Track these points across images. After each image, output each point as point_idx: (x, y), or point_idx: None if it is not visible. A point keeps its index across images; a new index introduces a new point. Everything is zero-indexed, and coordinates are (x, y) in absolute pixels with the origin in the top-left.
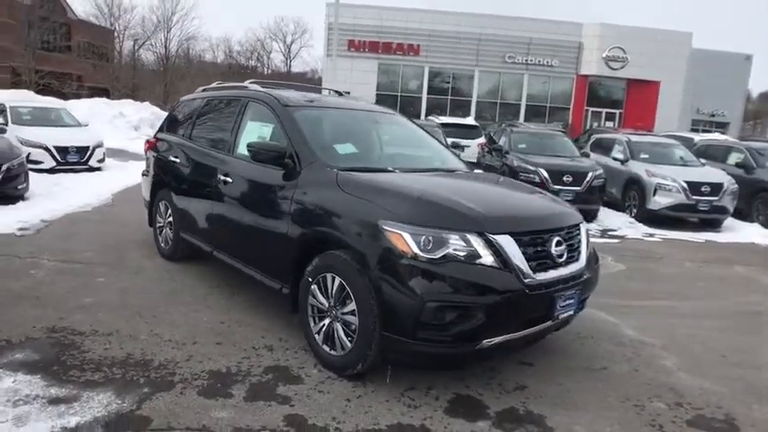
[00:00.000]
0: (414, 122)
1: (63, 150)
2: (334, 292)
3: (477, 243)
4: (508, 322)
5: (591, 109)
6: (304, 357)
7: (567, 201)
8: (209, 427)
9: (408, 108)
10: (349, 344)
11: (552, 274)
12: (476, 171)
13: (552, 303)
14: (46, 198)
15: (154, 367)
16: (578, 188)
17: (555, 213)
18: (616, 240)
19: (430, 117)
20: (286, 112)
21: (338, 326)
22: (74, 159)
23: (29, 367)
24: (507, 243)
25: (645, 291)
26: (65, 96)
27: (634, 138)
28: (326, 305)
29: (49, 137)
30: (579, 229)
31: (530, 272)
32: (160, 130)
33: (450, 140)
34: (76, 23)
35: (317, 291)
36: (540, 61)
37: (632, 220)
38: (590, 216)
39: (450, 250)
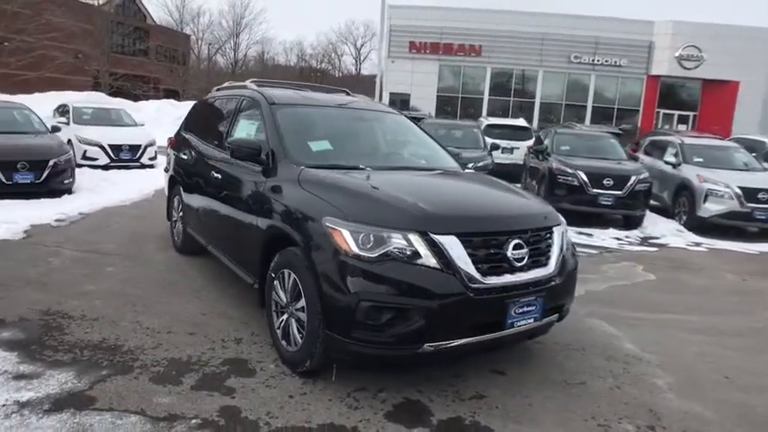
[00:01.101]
0: (413, 122)
1: (116, 148)
2: (289, 288)
3: (419, 243)
4: (452, 327)
5: (662, 111)
6: (267, 352)
7: (607, 206)
8: (145, 411)
9: (469, 109)
10: (300, 340)
11: (507, 278)
12: (466, 171)
13: (504, 310)
14: (91, 192)
15: (121, 352)
16: (619, 192)
17: (517, 215)
18: (654, 249)
19: (480, 118)
20: (270, 110)
21: (293, 322)
22: (126, 157)
23: (10, 345)
24: (451, 244)
25: (666, 303)
26: (136, 98)
27: (688, 140)
28: (284, 301)
29: (105, 135)
30: (550, 233)
31: (477, 275)
32: (180, 128)
33: (490, 141)
34: (155, 29)
35: (278, 287)
36: (607, 61)
37: (681, 227)
38: (633, 223)
39: (390, 249)
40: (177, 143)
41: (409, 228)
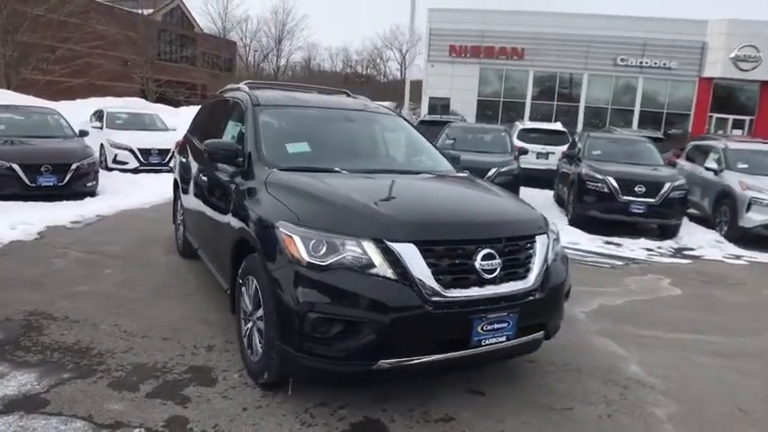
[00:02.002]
0: (409, 124)
1: (146, 152)
2: (252, 295)
3: (373, 251)
4: (409, 343)
5: (715, 115)
6: (236, 361)
7: (639, 214)
8: (93, 417)
9: (511, 114)
10: (260, 351)
11: (474, 292)
12: (458, 175)
13: (469, 327)
14: (113, 195)
15: (90, 355)
16: (652, 200)
17: (490, 222)
18: (687, 261)
19: (516, 122)
20: (253, 111)
21: (255, 331)
22: (155, 161)
23: None
24: (409, 252)
25: (688, 321)
26: (178, 104)
27: (732, 144)
28: (249, 309)
29: (135, 140)
30: (532, 243)
31: (437, 287)
32: (186, 131)
33: (521, 145)
34: (201, 37)
35: (245, 293)
36: (656, 63)
37: (721, 238)
38: (668, 232)
39: (343, 257)
40: (181, 147)
41: (364, 234)
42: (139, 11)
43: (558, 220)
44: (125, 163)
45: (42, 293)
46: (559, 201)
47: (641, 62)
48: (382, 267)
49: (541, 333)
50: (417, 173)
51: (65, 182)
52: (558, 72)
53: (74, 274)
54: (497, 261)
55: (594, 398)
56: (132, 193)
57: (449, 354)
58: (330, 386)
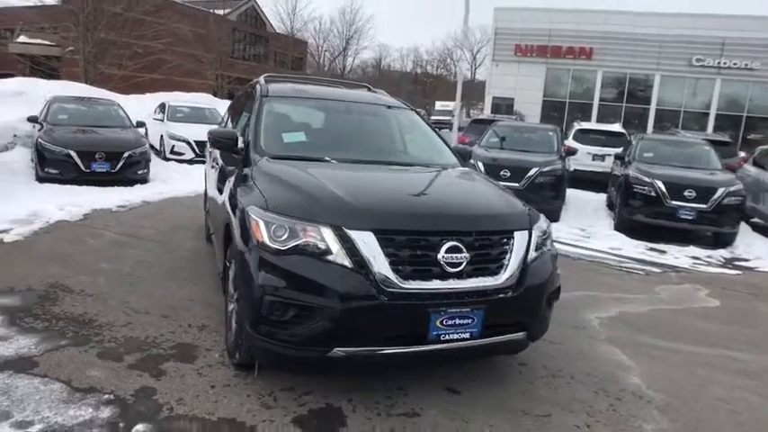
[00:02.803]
0: (423, 120)
1: (201, 144)
2: (231, 277)
3: (331, 237)
4: (364, 333)
5: None
6: (222, 342)
7: (688, 220)
8: (71, 381)
9: (577, 115)
10: (234, 332)
11: (435, 285)
12: (456, 168)
13: (426, 321)
14: (163, 183)
15: (91, 326)
16: (703, 206)
17: (459, 215)
18: (736, 272)
19: (574, 123)
20: (260, 102)
21: (234, 313)
22: None
23: (3, 310)
24: (366, 240)
25: (715, 335)
26: None
27: None
28: (231, 291)
29: (192, 132)
30: (508, 238)
31: (393, 277)
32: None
33: (576, 146)
34: (273, 36)
35: (230, 276)
36: (735, 64)
37: None
38: (723, 241)
39: (301, 242)
40: None
41: (323, 221)
42: (212, 10)
43: (604, 225)
44: (181, 154)
45: (67, 268)
46: (611, 205)
47: (719, 63)
48: (339, 255)
49: (522, 334)
50: (411, 165)
51: (117, 169)
52: (629, 73)
53: (102, 253)
54: (464, 255)
55: (578, 407)
56: (182, 182)
57: (406, 347)
58: (291, 371)
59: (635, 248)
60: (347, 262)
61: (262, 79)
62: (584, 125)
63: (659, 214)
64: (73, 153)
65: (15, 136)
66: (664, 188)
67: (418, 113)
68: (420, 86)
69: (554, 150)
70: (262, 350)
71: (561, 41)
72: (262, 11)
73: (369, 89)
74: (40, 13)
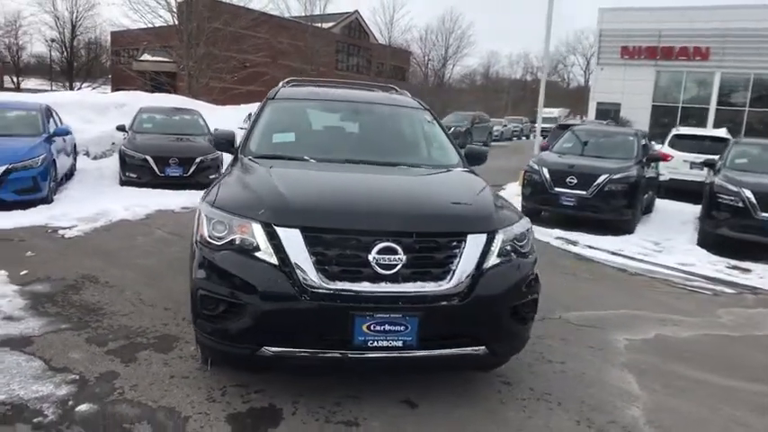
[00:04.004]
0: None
1: None
2: None
3: (261, 234)
4: (291, 333)
5: None
6: None
7: None
8: (50, 360)
9: (691, 121)
10: None
11: (364, 287)
12: (448, 170)
13: (350, 324)
14: None
15: (96, 314)
16: None
17: (397, 214)
18: None
19: (677, 127)
20: (266, 104)
21: None
22: None
23: (30, 295)
24: (291, 238)
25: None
26: None
27: None
28: None
29: None
30: (459, 242)
31: (316, 277)
32: None
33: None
34: (376, 47)
35: None
36: None
37: None
38: None
39: (234, 238)
40: None
41: (255, 217)
42: (318, 24)
43: (684, 240)
44: None
45: (105, 262)
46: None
47: None
48: (267, 252)
49: (481, 349)
50: (394, 165)
51: (189, 173)
52: (753, 74)
53: (143, 249)
54: (399, 257)
55: None
56: None
57: (331, 351)
58: (229, 366)
59: (711, 266)
60: (273, 259)
61: (281, 83)
62: (682, 130)
63: (747, 228)
64: (149, 158)
65: (113, 144)
66: (753, 198)
67: (433, 115)
68: (529, 93)
69: (632, 156)
70: (202, 344)
71: (673, 42)
72: (365, 23)
73: (396, 91)
74: (155, 33)
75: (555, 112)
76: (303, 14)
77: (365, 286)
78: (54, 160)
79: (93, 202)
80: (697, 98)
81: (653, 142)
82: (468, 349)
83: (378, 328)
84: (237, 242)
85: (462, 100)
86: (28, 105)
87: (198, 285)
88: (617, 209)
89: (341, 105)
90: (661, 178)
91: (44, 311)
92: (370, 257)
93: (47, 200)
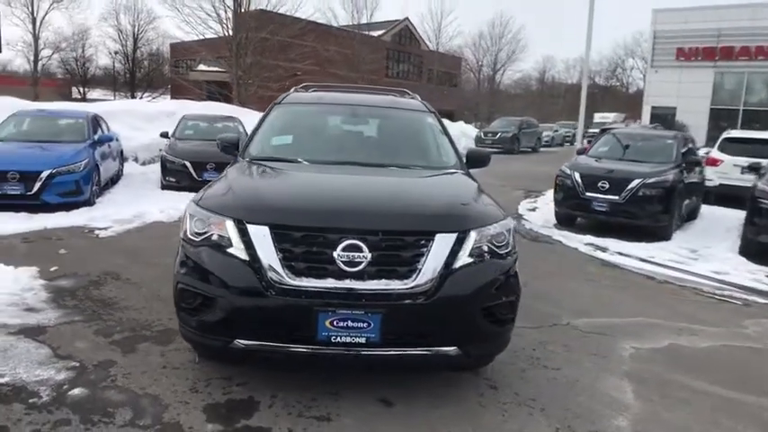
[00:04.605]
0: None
1: None
2: None
3: (233, 231)
4: (257, 327)
5: None
6: None
7: None
8: (58, 349)
9: (754, 125)
10: None
11: (329, 283)
12: (439, 172)
13: (314, 320)
14: None
15: (110, 308)
16: None
17: (364, 212)
18: None
19: (728, 131)
20: (271, 108)
21: None
22: None
23: (55, 289)
24: (261, 234)
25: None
26: None
27: None
28: None
29: None
30: (426, 240)
31: (282, 273)
32: None
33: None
34: (427, 54)
35: None
36: None
37: None
38: None
39: (210, 234)
40: None
41: (228, 214)
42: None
43: (725, 248)
44: None
45: (130, 260)
46: None
47: None
48: (238, 248)
49: (453, 349)
50: (385, 166)
51: None
52: None
53: (171, 249)
54: (364, 254)
55: None
56: None
57: (297, 346)
58: (207, 359)
59: (749, 275)
60: (243, 255)
61: (293, 89)
62: (734, 133)
63: None
64: (188, 163)
65: (161, 150)
66: None
67: (437, 117)
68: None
69: (671, 160)
70: (184, 336)
71: (733, 41)
72: (416, 30)
73: (408, 95)
74: (209, 44)
75: (610, 117)
76: (351, 23)
77: (330, 283)
78: (97, 165)
79: (133, 204)
80: (761, 101)
81: (705, 147)
82: (438, 349)
83: (341, 324)
84: (214, 238)
85: (514, 105)
86: (76, 114)
87: (177, 279)
88: (652, 215)
89: (342, 109)
90: (709, 184)
91: (63, 304)
92: (336, 255)
93: (89, 202)
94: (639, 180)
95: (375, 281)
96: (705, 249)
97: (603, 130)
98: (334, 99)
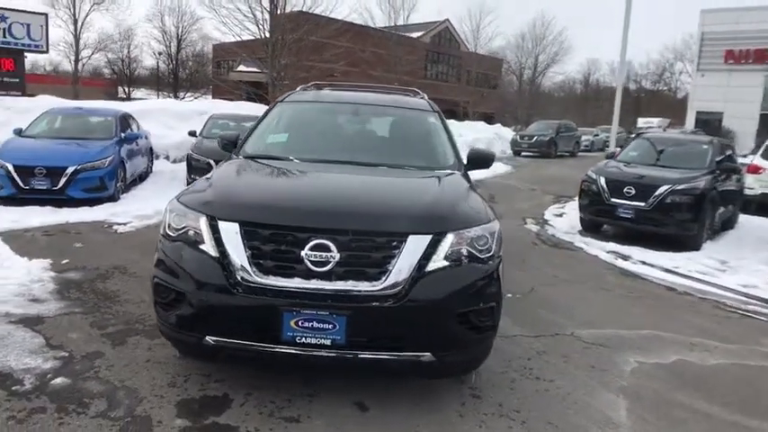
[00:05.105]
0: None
1: None
2: None
3: (205, 227)
4: (225, 324)
5: None
6: None
7: None
8: (50, 339)
9: None
10: None
11: (295, 283)
12: (434, 173)
13: (279, 319)
14: None
15: (110, 301)
16: None
17: (334, 212)
18: None
19: None
20: (273, 106)
21: None
22: None
23: (62, 281)
24: (230, 231)
25: None
26: None
27: None
28: None
29: None
30: (398, 242)
31: (249, 270)
32: None
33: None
34: (467, 55)
35: None
36: None
37: None
38: None
39: (187, 230)
40: None
41: (203, 211)
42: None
43: (759, 259)
44: None
45: (140, 255)
46: None
47: None
48: (210, 244)
49: (426, 355)
50: (375, 166)
51: None
52: None
53: None
54: (332, 254)
55: None
56: None
57: (263, 345)
58: (183, 354)
59: None
60: (214, 252)
61: (299, 87)
62: None
63: None
64: (212, 162)
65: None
66: None
67: (441, 117)
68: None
69: (703, 167)
70: (161, 331)
71: None
72: (455, 31)
73: (417, 94)
74: (248, 45)
75: (654, 122)
76: (388, 24)
77: (296, 282)
78: (123, 162)
79: (157, 201)
80: None
81: (752, 154)
82: (410, 354)
83: (305, 324)
84: (189, 234)
85: (555, 108)
86: (106, 112)
87: (153, 274)
88: (680, 223)
89: (341, 107)
90: (750, 192)
91: (67, 296)
92: (303, 254)
93: (113, 198)
94: (668, 186)
95: (342, 281)
96: (737, 261)
97: (637, 135)
98: (335, 97)
